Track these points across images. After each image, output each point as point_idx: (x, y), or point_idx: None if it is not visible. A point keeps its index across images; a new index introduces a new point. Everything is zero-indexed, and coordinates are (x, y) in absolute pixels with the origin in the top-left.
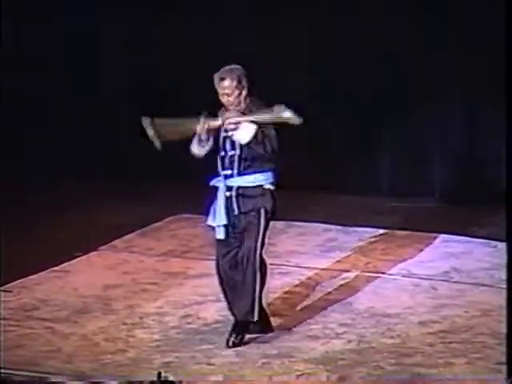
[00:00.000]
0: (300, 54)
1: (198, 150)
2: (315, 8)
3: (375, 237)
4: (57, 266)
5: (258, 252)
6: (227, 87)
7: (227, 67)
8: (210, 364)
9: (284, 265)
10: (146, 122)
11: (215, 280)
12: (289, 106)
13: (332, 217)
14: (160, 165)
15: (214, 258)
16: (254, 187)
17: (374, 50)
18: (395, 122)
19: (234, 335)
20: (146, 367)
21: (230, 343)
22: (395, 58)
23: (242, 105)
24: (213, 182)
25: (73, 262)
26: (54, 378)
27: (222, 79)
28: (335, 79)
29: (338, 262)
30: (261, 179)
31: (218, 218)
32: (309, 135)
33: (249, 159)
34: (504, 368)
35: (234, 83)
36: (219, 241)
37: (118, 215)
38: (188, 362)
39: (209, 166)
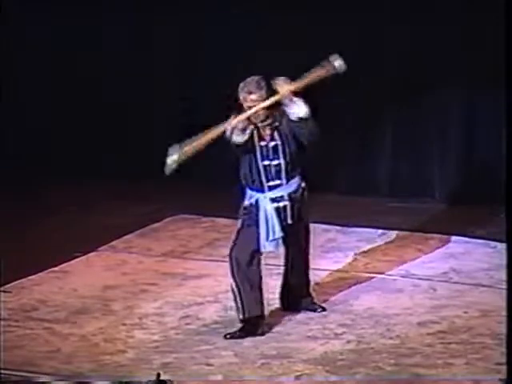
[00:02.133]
0: (300, 54)
1: (240, 137)
2: (315, 7)
3: (374, 237)
4: (56, 266)
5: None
6: (255, 100)
7: (252, 80)
8: (209, 364)
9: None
10: (173, 149)
11: (214, 280)
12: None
13: (331, 217)
14: (160, 165)
15: (213, 258)
16: (297, 190)
17: (373, 50)
18: (395, 121)
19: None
20: (145, 368)
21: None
22: (395, 58)
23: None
24: (250, 199)
25: (72, 262)
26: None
27: (250, 93)
28: (334, 79)
29: (337, 262)
30: (301, 181)
31: (273, 232)
32: None
33: (293, 164)
34: (503, 369)
35: (262, 96)
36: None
37: (118, 215)
38: (187, 363)
39: (207, 167)
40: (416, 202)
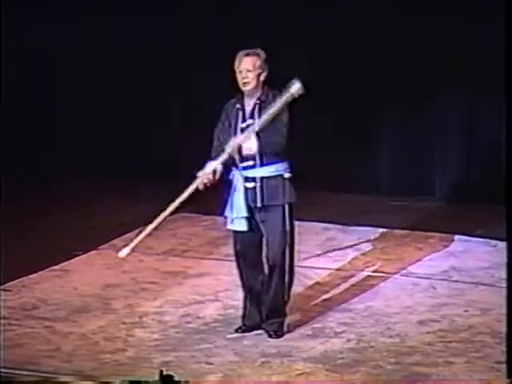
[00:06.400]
0: (300, 54)
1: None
2: (314, 7)
3: (375, 236)
4: (56, 265)
5: (288, 256)
6: (249, 64)
7: (253, 49)
8: (209, 363)
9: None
10: None
11: (214, 279)
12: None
13: (331, 216)
14: (160, 164)
15: (213, 257)
16: (274, 177)
17: (373, 50)
18: (395, 121)
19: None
20: (145, 366)
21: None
22: (395, 58)
23: (259, 89)
24: (230, 175)
25: (72, 261)
26: (62, 378)
27: (247, 55)
28: (335, 78)
29: (338, 261)
30: (281, 169)
31: (237, 210)
32: (308, 134)
33: (269, 148)
34: (503, 367)
35: (258, 63)
36: (239, 232)
37: (118, 214)
38: (187, 362)
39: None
40: (416, 200)
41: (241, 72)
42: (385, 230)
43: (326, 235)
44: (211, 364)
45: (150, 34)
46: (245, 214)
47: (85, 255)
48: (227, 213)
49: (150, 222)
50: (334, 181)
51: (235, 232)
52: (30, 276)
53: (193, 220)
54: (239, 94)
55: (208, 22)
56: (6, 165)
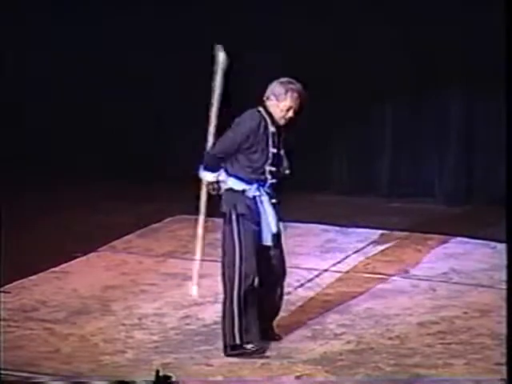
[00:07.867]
0: (299, 54)
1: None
2: (312, 5)
3: (374, 238)
4: (56, 266)
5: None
6: (297, 106)
7: (299, 84)
8: (208, 365)
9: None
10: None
11: (214, 281)
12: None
13: (331, 217)
14: (160, 165)
15: (213, 258)
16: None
17: (373, 50)
18: (395, 121)
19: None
20: (144, 368)
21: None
22: (395, 58)
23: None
24: (252, 193)
25: (72, 262)
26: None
27: (299, 95)
28: (334, 79)
29: (337, 262)
30: None
31: (272, 226)
32: (307, 135)
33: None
34: (503, 369)
35: (303, 104)
36: (251, 252)
37: (118, 216)
38: (187, 363)
39: None
40: (416, 202)
41: (286, 110)
42: (384, 231)
43: (325, 237)
44: (211, 366)
45: (150, 34)
46: (275, 229)
47: (84, 257)
48: (265, 235)
49: (150, 223)
50: (333, 182)
51: (249, 253)
52: (30, 278)
53: (193, 222)
54: (264, 112)
55: (207, 23)
56: (6, 165)
